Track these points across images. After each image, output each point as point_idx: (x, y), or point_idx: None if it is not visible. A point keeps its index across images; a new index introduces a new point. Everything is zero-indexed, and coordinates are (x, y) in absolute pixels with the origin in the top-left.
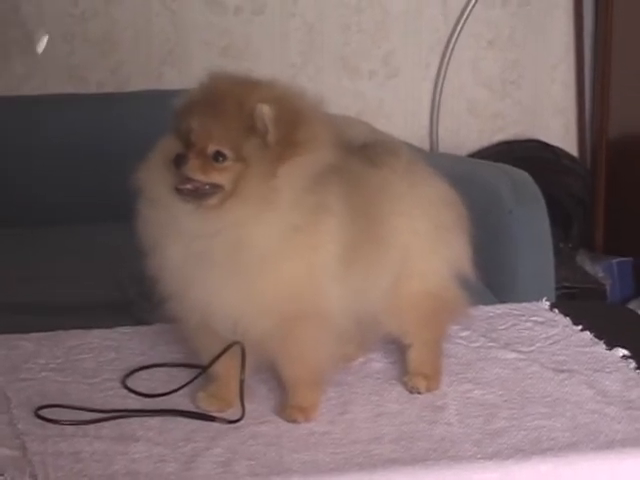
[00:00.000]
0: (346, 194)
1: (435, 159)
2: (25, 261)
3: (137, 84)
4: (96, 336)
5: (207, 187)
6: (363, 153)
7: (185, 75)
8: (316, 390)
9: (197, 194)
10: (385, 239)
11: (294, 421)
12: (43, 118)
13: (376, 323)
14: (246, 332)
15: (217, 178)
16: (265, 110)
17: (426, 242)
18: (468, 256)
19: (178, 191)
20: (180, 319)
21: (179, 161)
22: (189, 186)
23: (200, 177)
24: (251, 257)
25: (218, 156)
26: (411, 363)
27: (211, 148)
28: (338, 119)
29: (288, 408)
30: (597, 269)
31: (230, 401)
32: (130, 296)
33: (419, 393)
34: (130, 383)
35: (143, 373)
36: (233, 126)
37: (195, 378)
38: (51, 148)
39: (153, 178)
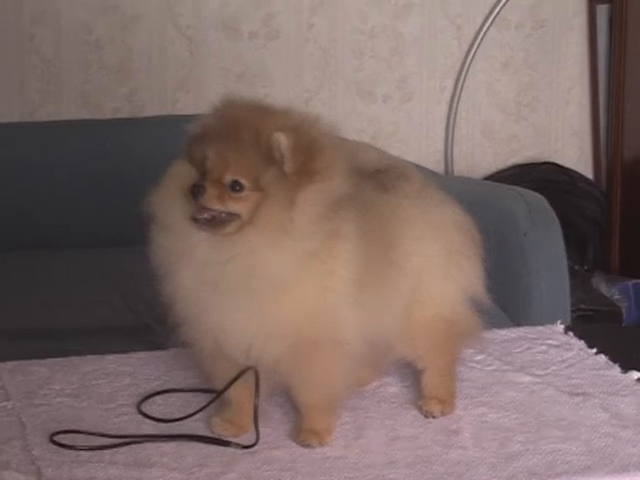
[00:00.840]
0: (359, 220)
1: (450, 182)
2: (39, 286)
3: (152, 110)
4: (111, 361)
5: (224, 215)
6: (375, 178)
7: (200, 101)
8: (331, 414)
9: (214, 223)
10: (398, 264)
11: (308, 445)
12: (58, 144)
13: (390, 348)
14: (260, 357)
15: (234, 207)
16: (282, 139)
17: (439, 267)
18: (481, 280)
19: (195, 220)
20: (193, 344)
21: (196, 191)
22: (206, 215)
23: (218, 207)
24: (265, 283)
25: (235, 185)
26: (425, 387)
27: (228, 177)
28: (350, 144)
29: (302, 432)
30: (613, 291)
31: (245, 426)
32: (145, 320)
33: (434, 417)
34: (145, 408)
35: (158, 398)
36: (250, 155)
37: (209, 403)
38: (67, 173)
39: (167, 205)
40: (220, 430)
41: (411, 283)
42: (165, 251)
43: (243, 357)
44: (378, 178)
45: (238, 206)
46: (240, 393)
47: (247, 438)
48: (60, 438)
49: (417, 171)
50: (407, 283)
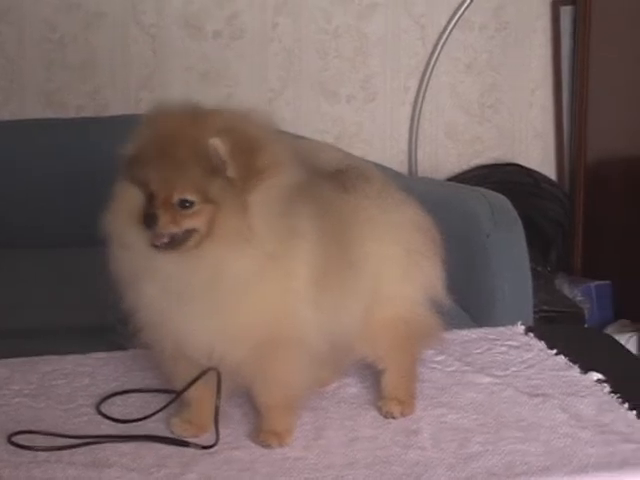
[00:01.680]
0: (317, 218)
1: (414, 183)
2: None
3: (116, 109)
4: (70, 362)
5: (181, 234)
6: (335, 179)
7: (164, 100)
8: (290, 415)
9: (173, 244)
10: (357, 265)
11: (268, 446)
12: (22, 143)
13: (350, 348)
14: (222, 359)
15: (190, 224)
16: (219, 145)
17: (398, 267)
18: (441, 281)
19: (155, 246)
20: (154, 346)
21: (149, 221)
22: (165, 240)
23: (173, 230)
24: (229, 290)
25: (184, 203)
26: (385, 388)
27: (175, 197)
28: (311, 144)
29: (262, 433)
30: (575, 292)
31: (204, 426)
32: (106, 321)
33: (393, 418)
34: (104, 409)
35: (117, 399)
36: (192, 170)
37: (169, 404)
38: (29, 172)
39: (122, 231)
40: (179, 430)
41: (370, 284)
42: (126, 266)
43: (205, 359)
44: (338, 178)
45: (193, 222)
46: (200, 393)
47: (206, 439)
48: (18, 439)
49: (378, 171)
50: (366, 284)
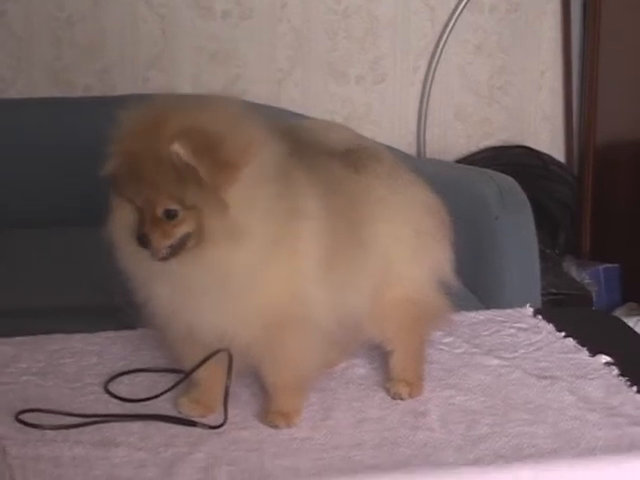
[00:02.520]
0: (323, 197)
1: (422, 165)
2: (6, 265)
3: (124, 88)
4: (78, 340)
5: (178, 241)
6: (346, 158)
7: (172, 80)
8: (299, 396)
9: (174, 252)
10: (366, 245)
11: (276, 426)
12: (29, 121)
13: (358, 329)
14: (232, 341)
15: (180, 231)
16: (179, 150)
17: (407, 248)
18: (450, 262)
19: (159, 259)
20: (164, 331)
21: (143, 243)
22: (163, 252)
23: (167, 243)
24: (237, 281)
25: (169, 213)
26: (393, 369)
27: (159, 210)
28: (321, 124)
29: (270, 413)
30: (583, 275)
31: (212, 406)
32: (114, 301)
33: (401, 399)
34: (112, 388)
35: (125, 378)
36: (165, 181)
37: (178, 384)
38: (38, 151)
39: (124, 250)
40: (187, 410)
41: (379, 264)
42: (135, 270)
43: (216, 342)
44: (349, 158)
45: (183, 229)
46: (209, 374)
47: (214, 419)
48: (26, 417)
49: (388, 152)
50: (375, 264)
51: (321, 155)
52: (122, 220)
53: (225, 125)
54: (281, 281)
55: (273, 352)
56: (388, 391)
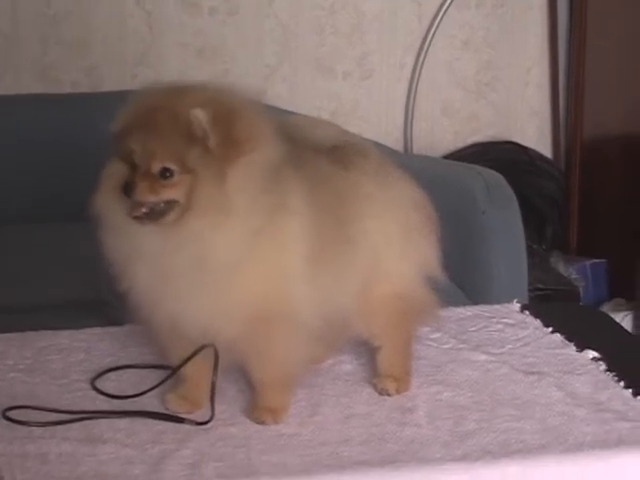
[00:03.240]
0: (310, 193)
1: (409, 160)
2: None
3: (111, 85)
4: (65, 337)
5: (162, 205)
6: (332, 154)
7: (159, 76)
8: (285, 392)
9: (153, 215)
10: (354, 241)
11: (263, 423)
12: (16, 118)
13: (346, 325)
14: (216, 336)
15: (169, 195)
16: (200, 114)
17: (395, 244)
18: (437, 259)
19: (135, 218)
20: (150, 325)
21: (128, 188)
22: (144, 210)
23: (151, 198)
24: (215, 266)
25: (165, 172)
26: (380, 365)
27: (155, 166)
28: (307, 120)
29: (257, 410)
30: (571, 271)
31: (199, 403)
32: (104, 296)
33: (389, 395)
34: (99, 384)
35: (112, 374)
36: (172, 139)
37: (164, 381)
38: (24, 148)
39: (107, 207)
40: (174, 407)
41: (367, 260)
42: (115, 251)
43: (200, 337)
44: (335, 154)
45: (172, 193)
46: (196, 369)
47: (201, 415)
48: (13, 414)
49: (375, 149)
50: (363, 260)
51: (308, 152)
52: (112, 180)
53: (244, 108)
54: (264, 276)
55: (258, 348)
56: (375, 387)
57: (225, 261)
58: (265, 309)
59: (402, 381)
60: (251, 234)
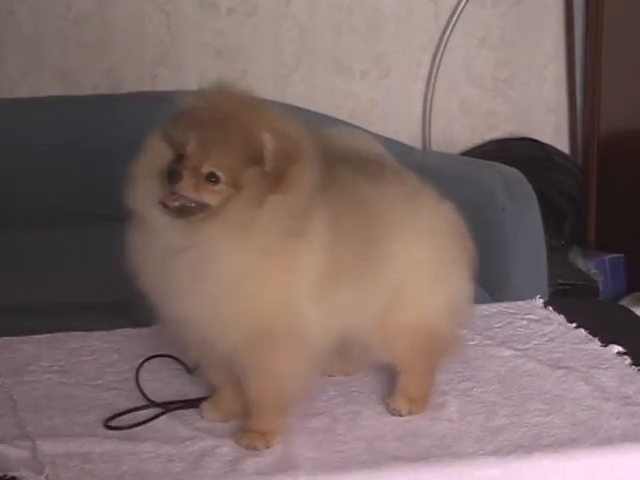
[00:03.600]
0: (334, 216)
1: (428, 158)
2: (20, 263)
3: (131, 86)
4: (96, 338)
5: (193, 205)
6: (368, 170)
7: (179, 77)
8: (280, 416)
9: (181, 211)
10: (380, 262)
11: (254, 448)
12: (37, 120)
13: (365, 347)
14: (215, 344)
15: (207, 198)
16: (269, 139)
17: (424, 272)
18: (469, 294)
19: (164, 205)
20: (166, 329)
21: (173, 177)
22: (176, 203)
23: (192, 196)
24: (218, 274)
25: (212, 177)
26: (397, 385)
27: (206, 168)
28: (346, 132)
29: (248, 433)
30: (589, 266)
31: (233, 412)
32: (127, 296)
33: (400, 416)
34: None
35: (145, 374)
36: (234, 151)
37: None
38: (47, 150)
39: (138, 186)
40: (210, 415)
41: (393, 284)
42: (135, 240)
43: (200, 342)
44: (371, 171)
45: (211, 198)
46: (230, 379)
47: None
48: (53, 414)
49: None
50: (387, 283)
51: (342, 166)
52: (151, 154)
53: (305, 145)
54: (270, 293)
55: (256, 365)
56: (387, 406)
57: (227, 271)
58: (266, 325)
59: (417, 403)
60: (261, 253)
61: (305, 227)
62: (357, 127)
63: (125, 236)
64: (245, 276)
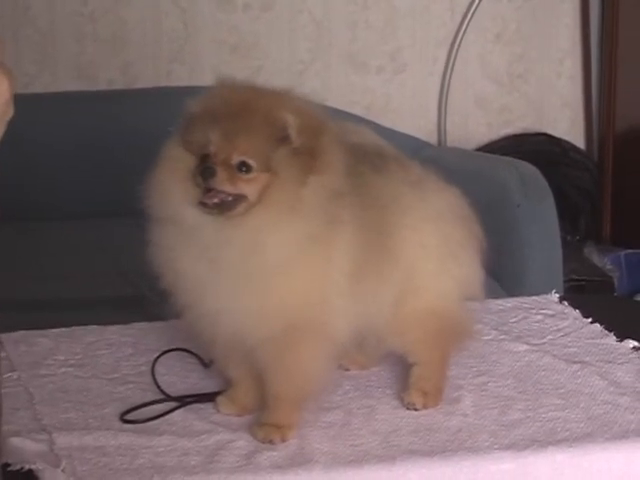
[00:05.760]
0: (358, 206)
1: (443, 153)
2: (36, 257)
3: (146, 82)
4: (113, 332)
5: (231, 198)
6: (372, 162)
7: (194, 73)
8: (297, 410)
9: (222, 207)
10: (392, 252)
11: (270, 442)
12: (53, 115)
13: (380, 340)
14: (247, 338)
15: (244, 189)
16: (290, 118)
17: (433, 258)
18: (479, 278)
19: (204, 205)
20: (191, 322)
21: (207, 174)
22: (216, 200)
23: (229, 188)
24: (265, 263)
25: (242, 166)
26: (411, 378)
27: (235, 159)
28: (346, 127)
29: (264, 427)
30: (605, 261)
31: (249, 406)
32: (141, 291)
33: (415, 410)
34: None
35: (161, 368)
36: (258, 136)
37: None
38: (61, 144)
39: (166, 190)
40: (225, 409)
41: (404, 273)
42: (164, 241)
43: (231, 337)
44: (375, 163)
45: (247, 188)
46: (245, 374)
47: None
48: (69, 407)
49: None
50: (400, 272)
51: (352, 160)
52: (176, 164)
53: (325, 120)
54: (309, 283)
55: (280, 360)
56: (402, 400)
57: (274, 260)
58: (301, 316)
59: (431, 396)
60: (306, 239)
61: (342, 211)
62: (357, 120)
63: (148, 236)
64: (291, 264)
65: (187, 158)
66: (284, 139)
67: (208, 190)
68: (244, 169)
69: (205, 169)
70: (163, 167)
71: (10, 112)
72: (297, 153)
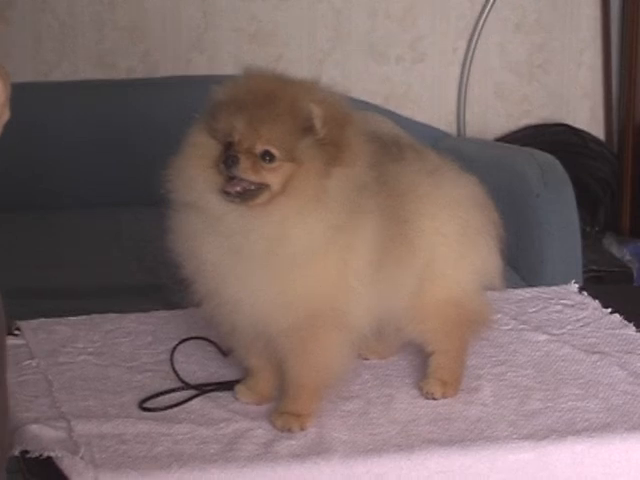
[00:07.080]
0: (380, 196)
1: (463, 144)
2: (55, 246)
3: (166, 70)
4: (132, 320)
5: (254, 187)
6: (390, 152)
7: (214, 61)
8: (316, 399)
9: (245, 195)
10: (411, 241)
11: (289, 430)
12: (73, 104)
13: (398, 329)
14: (268, 327)
15: (267, 178)
16: (316, 109)
17: (452, 246)
18: (498, 265)
19: (227, 194)
20: (211, 311)
21: (230, 162)
22: (238, 188)
23: (252, 177)
24: (290, 252)
25: (266, 155)
26: (430, 367)
27: (259, 148)
28: (361, 116)
29: (283, 415)
30: (624, 252)
31: (266, 395)
32: (161, 279)
33: (434, 399)
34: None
35: (180, 356)
36: (283, 125)
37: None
38: (80, 133)
39: (189, 177)
40: (244, 398)
41: (422, 261)
42: (186, 228)
43: (251, 326)
44: (392, 152)
45: (271, 177)
46: (264, 363)
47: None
48: (88, 395)
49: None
50: (419, 261)
51: (373, 150)
52: (196, 148)
53: (350, 112)
54: (333, 273)
55: (301, 349)
56: (421, 390)
57: (299, 249)
58: (323, 306)
59: (450, 385)
60: (331, 229)
61: (364, 201)
62: (375, 109)
63: (169, 224)
64: (315, 253)
65: (212, 145)
66: (309, 129)
67: (231, 178)
68: (268, 158)
69: (228, 157)
70: (187, 153)
71: (6, 115)
72: (322, 144)
